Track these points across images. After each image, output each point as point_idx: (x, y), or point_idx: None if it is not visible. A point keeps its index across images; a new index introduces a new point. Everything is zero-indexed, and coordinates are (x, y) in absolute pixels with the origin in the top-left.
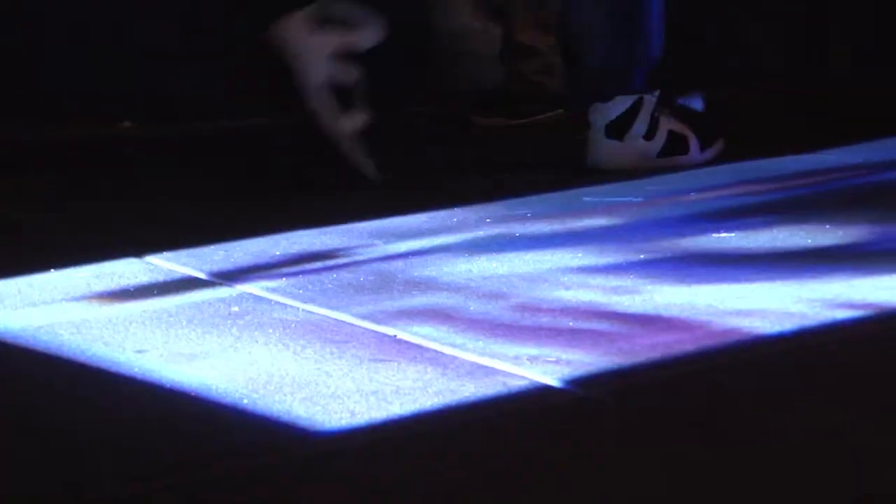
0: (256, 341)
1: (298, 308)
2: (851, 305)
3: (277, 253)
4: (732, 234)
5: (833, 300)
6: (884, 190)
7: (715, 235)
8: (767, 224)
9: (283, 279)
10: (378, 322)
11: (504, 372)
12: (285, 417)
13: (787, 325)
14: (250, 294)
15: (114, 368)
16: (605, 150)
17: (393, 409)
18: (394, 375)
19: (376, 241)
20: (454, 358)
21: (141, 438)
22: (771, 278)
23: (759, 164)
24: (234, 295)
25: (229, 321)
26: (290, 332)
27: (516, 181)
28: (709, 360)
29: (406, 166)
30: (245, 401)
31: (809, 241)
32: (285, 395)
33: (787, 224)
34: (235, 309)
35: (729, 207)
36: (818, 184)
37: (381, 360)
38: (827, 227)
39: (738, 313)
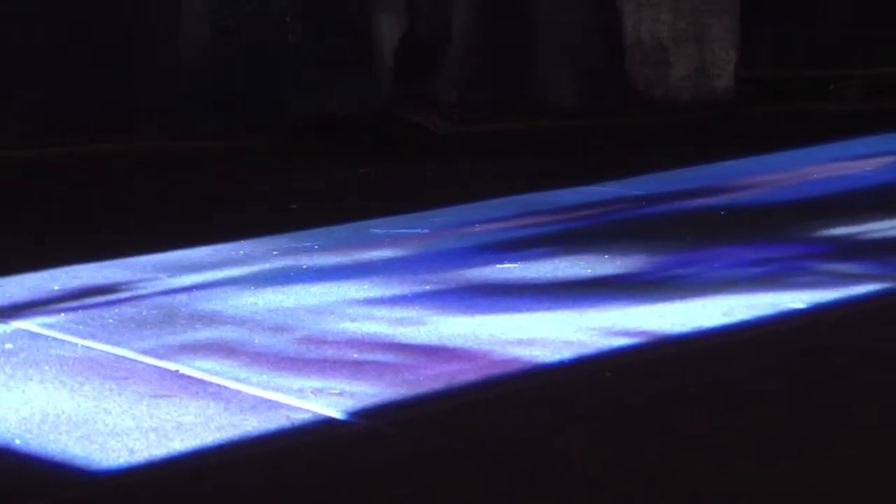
0: (31, 379)
1: (77, 344)
2: (627, 333)
3: (56, 287)
4: (515, 265)
5: (610, 328)
6: (659, 221)
7: (498, 266)
8: (549, 255)
9: (62, 314)
10: (160, 357)
11: (288, 405)
12: (60, 457)
13: (566, 354)
14: (26, 331)
15: None
16: None
17: (174, 445)
18: (175, 411)
19: (159, 275)
20: (237, 392)
21: None
22: (551, 308)
23: (541, 197)
24: (9, 332)
25: (2, 359)
26: (67, 368)
27: (304, 213)
28: (491, 390)
29: (194, 197)
30: (17, 441)
31: (589, 271)
32: (61, 433)
33: (567, 255)
34: (10, 346)
35: (512, 239)
36: (597, 215)
37: (163, 396)
38: (605, 257)
39: (520, 342)
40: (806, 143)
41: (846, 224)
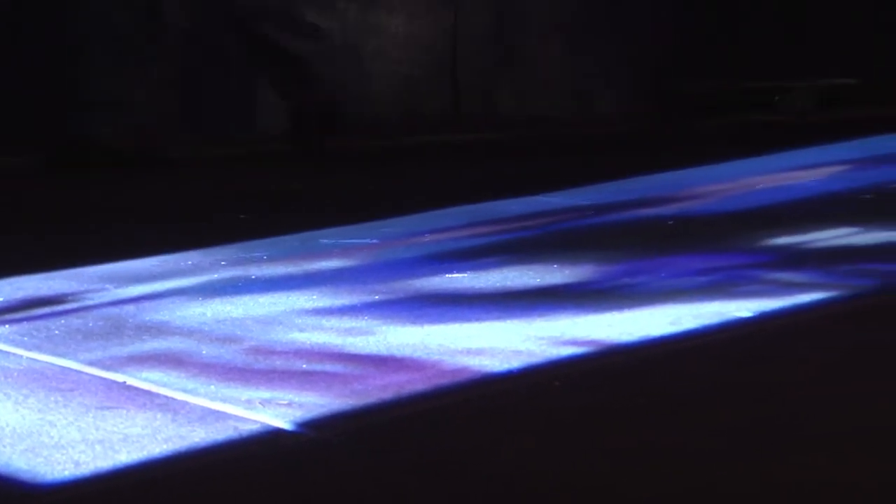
0: None
1: (22, 356)
2: (575, 342)
3: (0, 299)
4: (465, 275)
5: (558, 338)
6: (606, 231)
7: (448, 276)
8: (498, 265)
9: (6, 326)
10: (106, 368)
11: (236, 416)
12: (4, 470)
13: (515, 363)
14: None
15: None
16: None
17: (120, 457)
18: (122, 423)
19: (106, 286)
20: (185, 403)
21: None
22: (500, 317)
23: (490, 206)
24: None
25: None
26: (11, 381)
27: (253, 223)
28: (439, 400)
29: (145, 206)
30: None
31: (537, 280)
32: (5, 446)
33: (516, 265)
34: None
35: (462, 249)
36: (546, 225)
37: (109, 408)
38: (554, 267)
39: (469, 352)
40: (752, 153)
41: (791, 234)
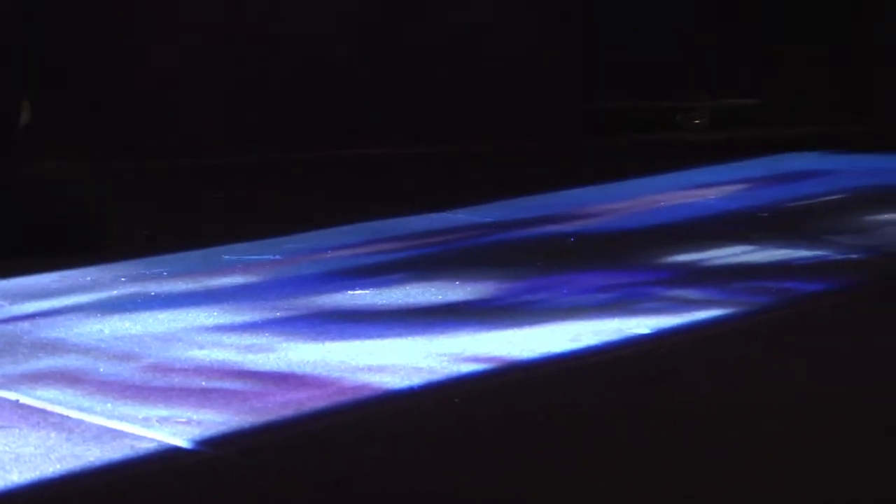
0: None
1: None
2: (476, 359)
3: None
4: (367, 291)
5: (460, 354)
6: (509, 248)
7: (350, 293)
8: (400, 281)
9: None
10: None
11: (133, 435)
12: None
13: (416, 380)
14: None
15: None
16: None
17: (12, 477)
18: (14, 442)
19: (1, 302)
20: (80, 422)
21: None
22: (402, 334)
23: (394, 223)
24: None
25: None
26: None
27: (155, 238)
28: (340, 417)
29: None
30: None
31: (440, 297)
32: None
33: (419, 281)
34: None
35: (364, 265)
36: (449, 242)
37: (1, 427)
38: (456, 283)
39: (370, 369)
40: (653, 171)
41: (690, 251)
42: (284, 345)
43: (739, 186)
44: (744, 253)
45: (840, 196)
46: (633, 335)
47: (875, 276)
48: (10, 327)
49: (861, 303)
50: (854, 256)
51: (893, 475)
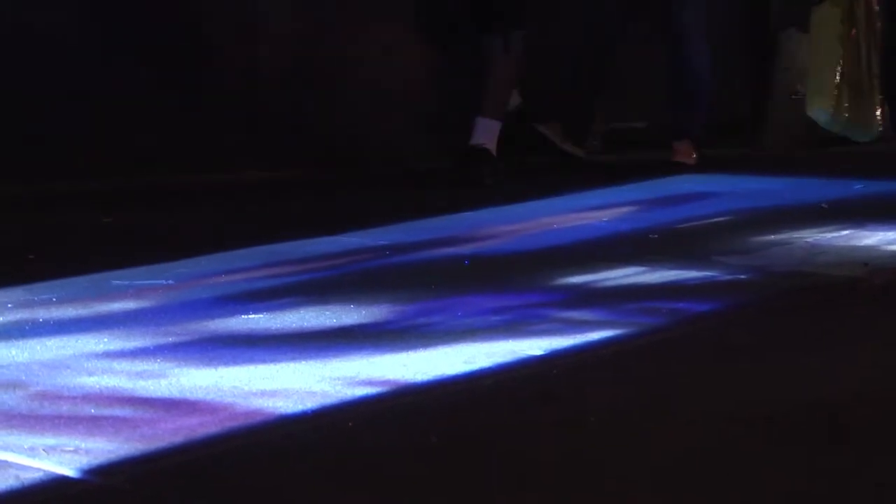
0: None
1: None
2: (371, 382)
3: None
4: (261, 316)
5: (354, 378)
6: (404, 270)
7: (243, 317)
8: (294, 305)
9: None
10: None
11: (18, 465)
12: None
13: (310, 404)
14: None
15: None
16: None
17: None
18: None
19: None
20: None
21: None
22: (296, 358)
23: (288, 247)
24: None
25: None
26: None
27: (42, 263)
28: (231, 442)
29: None
30: None
31: (334, 321)
32: None
33: (313, 305)
34: None
35: (258, 289)
36: (344, 265)
37: None
38: (351, 307)
39: (263, 394)
40: (546, 194)
41: (582, 273)
42: (176, 370)
43: (630, 208)
44: (634, 274)
45: (727, 217)
46: (525, 356)
47: (763, 296)
48: None
49: (751, 321)
50: (742, 277)
51: (761, 485)
